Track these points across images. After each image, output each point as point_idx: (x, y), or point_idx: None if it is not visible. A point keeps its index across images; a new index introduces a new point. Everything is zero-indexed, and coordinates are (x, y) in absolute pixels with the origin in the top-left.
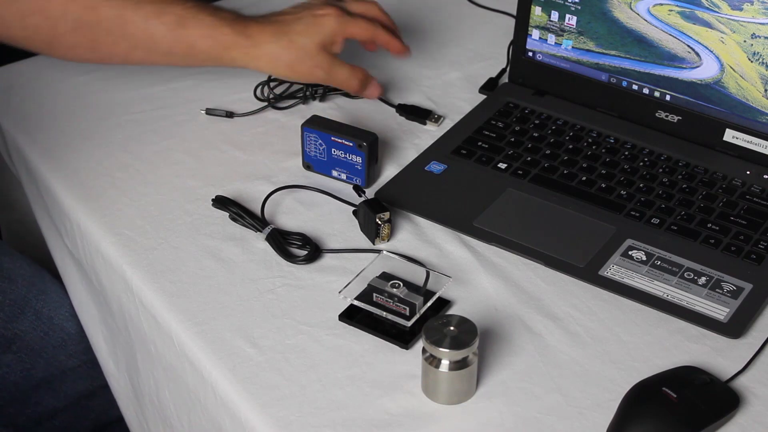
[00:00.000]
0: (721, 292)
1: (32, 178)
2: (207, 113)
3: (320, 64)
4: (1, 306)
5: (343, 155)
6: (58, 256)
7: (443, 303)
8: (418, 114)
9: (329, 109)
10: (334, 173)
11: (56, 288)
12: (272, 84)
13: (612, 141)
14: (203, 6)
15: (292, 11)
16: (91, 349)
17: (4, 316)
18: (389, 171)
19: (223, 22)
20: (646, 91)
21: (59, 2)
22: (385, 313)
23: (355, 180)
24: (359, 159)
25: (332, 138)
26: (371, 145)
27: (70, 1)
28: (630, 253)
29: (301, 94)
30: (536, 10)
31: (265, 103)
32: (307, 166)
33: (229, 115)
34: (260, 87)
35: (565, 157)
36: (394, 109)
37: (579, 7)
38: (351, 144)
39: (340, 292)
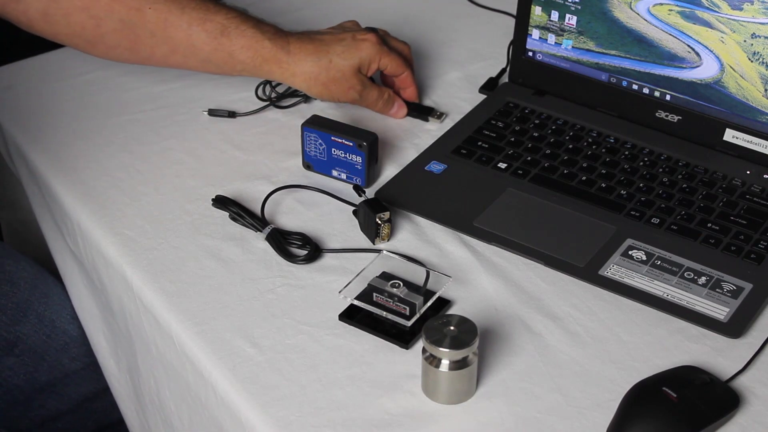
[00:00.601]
0: (721, 291)
1: (33, 178)
2: (209, 114)
3: (354, 86)
4: (4, 309)
5: (343, 155)
6: (59, 256)
7: (443, 303)
8: (421, 111)
9: (329, 108)
10: (334, 173)
11: (58, 290)
12: (273, 83)
13: (612, 141)
14: (246, 17)
15: (333, 32)
16: (93, 352)
17: (6, 320)
18: (389, 171)
19: (264, 35)
20: (646, 90)
21: (105, 2)
22: (385, 312)
23: (355, 180)
24: (359, 159)
25: (332, 138)
26: (371, 145)
27: (116, 2)
28: (630, 252)
29: (302, 93)
30: (536, 10)
31: (267, 103)
32: (307, 165)
33: (232, 115)
34: (261, 86)
35: (565, 157)
36: None
37: (579, 7)
38: (351, 144)
39: (340, 292)
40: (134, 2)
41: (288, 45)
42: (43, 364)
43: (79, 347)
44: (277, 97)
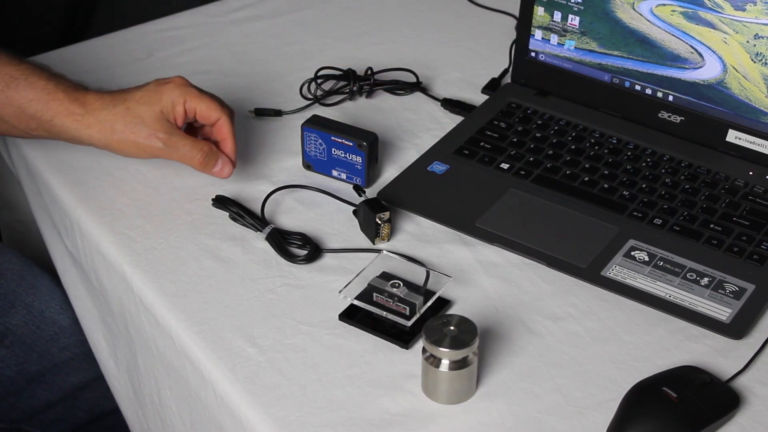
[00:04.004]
0: (723, 292)
1: (32, 177)
2: (256, 114)
3: (157, 133)
4: None
5: (343, 155)
6: (57, 257)
7: (443, 303)
8: (464, 108)
9: (330, 110)
10: (334, 173)
11: (46, 281)
12: (320, 80)
13: (615, 141)
14: (40, 70)
15: (141, 85)
16: (84, 342)
17: None
18: (389, 171)
19: (57, 87)
20: (648, 91)
21: None
22: (385, 312)
23: (355, 180)
24: (359, 159)
25: (332, 138)
26: (371, 145)
27: None
28: (632, 253)
29: (348, 90)
30: (539, 11)
31: (312, 101)
32: (307, 165)
33: (278, 113)
34: (307, 84)
35: (568, 158)
36: (421, 103)
37: (582, 8)
38: (351, 144)
39: (340, 292)
40: None
41: (84, 96)
42: (33, 354)
43: (69, 337)
44: (323, 95)
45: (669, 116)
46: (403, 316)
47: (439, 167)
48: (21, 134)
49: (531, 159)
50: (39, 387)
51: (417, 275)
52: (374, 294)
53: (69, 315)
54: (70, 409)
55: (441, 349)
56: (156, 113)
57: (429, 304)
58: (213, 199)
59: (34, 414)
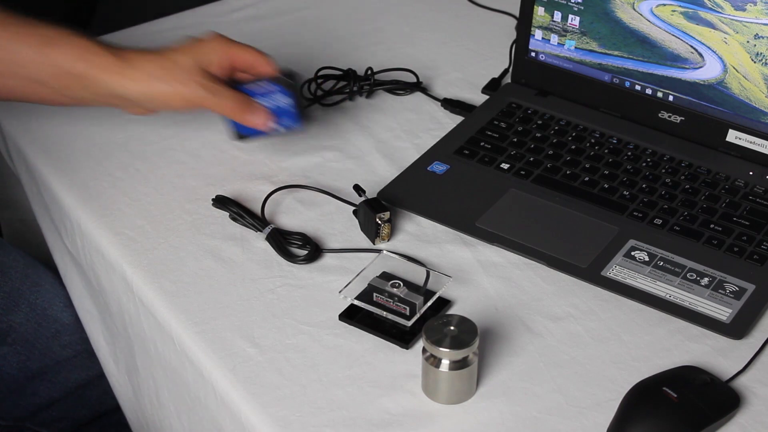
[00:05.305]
0: (723, 292)
1: (32, 177)
2: None
3: (202, 84)
4: None
5: (269, 104)
6: (58, 256)
7: (443, 303)
8: (464, 108)
9: (330, 108)
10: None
11: (50, 279)
12: (319, 80)
13: (615, 141)
14: (77, 31)
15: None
16: (86, 339)
17: None
18: (390, 171)
19: (95, 44)
20: (649, 91)
21: None
22: (385, 312)
23: (292, 125)
24: (289, 101)
25: (246, 87)
26: (291, 77)
27: None
28: (633, 253)
29: (347, 90)
30: (539, 10)
31: (312, 100)
32: (240, 137)
33: None
34: (306, 84)
35: (568, 158)
36: (425, 103)
37: (582, 8)
38: (275, 88)
39: (340, 292)
40: None
41: (123, 52)
42: (35, 352)
43: (71, 335)
44: (323, 95)
45: (669, 116)
46: (404, 316)
47: (439, 167)
48: (57, 97)
49: (531, 159)
50: (41, 384)
51: (417, 275)
52: (374, 294)
53: (72, 312)
54: (72, 406)
55: (441, 349)
56: (197, 63)
57: (429, 304)
58: (213, 199)
59: (36, 411)
